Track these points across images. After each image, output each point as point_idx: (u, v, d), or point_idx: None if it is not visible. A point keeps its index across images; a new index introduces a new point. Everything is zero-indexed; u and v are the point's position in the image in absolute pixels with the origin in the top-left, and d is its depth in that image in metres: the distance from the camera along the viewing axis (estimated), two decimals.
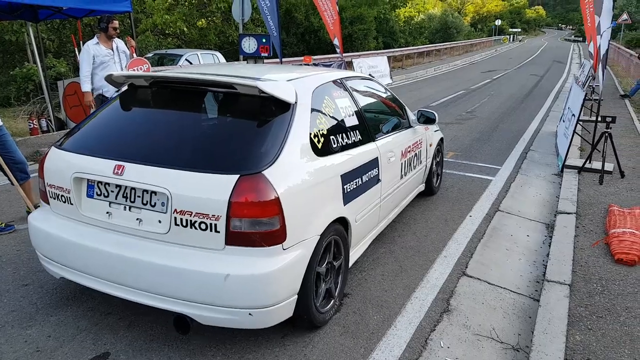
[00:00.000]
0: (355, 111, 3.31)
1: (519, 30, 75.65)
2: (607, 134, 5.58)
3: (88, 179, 2.56)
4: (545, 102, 12.59)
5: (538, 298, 3.20)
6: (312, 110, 2.79)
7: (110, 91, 5.63)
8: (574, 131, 6.00)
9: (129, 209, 2.46)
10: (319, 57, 14.73)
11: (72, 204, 2.61)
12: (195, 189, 2.29)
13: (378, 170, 3.36)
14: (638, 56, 14.92)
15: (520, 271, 3.67)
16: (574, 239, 4.02)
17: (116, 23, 5.66)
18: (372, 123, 3.51)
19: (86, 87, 5.56)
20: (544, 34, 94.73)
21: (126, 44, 5.94)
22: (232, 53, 17.03)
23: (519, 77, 19.86)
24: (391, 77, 16.84)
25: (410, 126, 4.25)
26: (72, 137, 2.84)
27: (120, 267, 2.44)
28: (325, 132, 2.83)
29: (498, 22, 60.30)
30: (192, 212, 2.28)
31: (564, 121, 7.18)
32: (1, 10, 7.12)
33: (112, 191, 2.51)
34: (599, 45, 6.29)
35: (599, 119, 5.88)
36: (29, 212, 4.33)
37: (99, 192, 2.55)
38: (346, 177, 2.90)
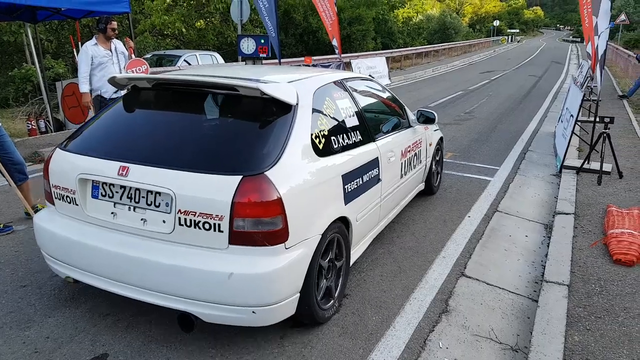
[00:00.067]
0: (355, 112, 3.35)
1: (517, 31, 75.75)
2: (605, 135, 5.58)
3: (93, 180, 2.60)
4: (543, 102, 12.61)
5: (537, 298, 3.20)
6: (313, 111, 2.83)
7: (108, 92, 5.62)
8: (573, 132, 6.01)
9: (134, 210, 2.50)
10: (318, 58, 14.73)
11: (77, 204, 2.64)
12: (199, 189, 2.33)
13: (378, 170, 3.39)
14: (636, 57, 14.94)
15: (519, 272, 3.67)
16: (572, 239, 4.03)
17: (115, 24, 5.65)
18: (372, 123, 3.55)
19: (84, 88, 5.55)
20: (542, 34, 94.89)
21: (125, 45, 5.93)
22: (231, 54, 17.03)
23: (518, 77, 19.88)
24: (389, 78, 16.84)
25: (410, 126, 4.28)
26: (76, 139, 2.88)
27: (125, 266, 2.47)
28: (326, 133, 2.87)
29: (496, 23, 60.40)
30: (196, 212, 2.32)
31: (562, 122, 7.19)
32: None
33: (116, 192, 2.55)
34: (597, 46, 6.30)
35: (597, 119, 5.89)
36: (27, 214, 4.33)
37: (103, 193, 2.58)
38: (347, 177, 2.93)
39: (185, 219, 2.34)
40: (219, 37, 18.90)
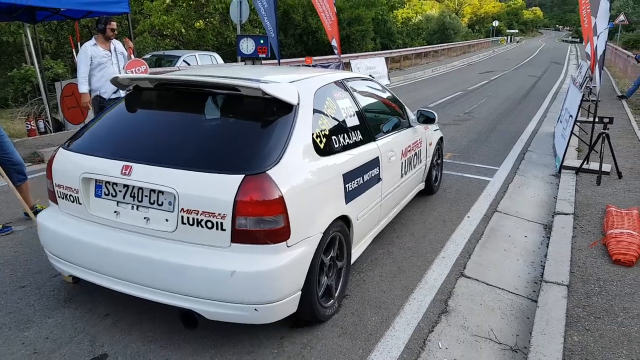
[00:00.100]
0: (356, 111, 3.37)
1: (517, 31, 75.81)
2: (604, 135, 5.59)
3: (96, 179, 2.63)
4: (542, 103, 12.62)
5: (536, 299, 3.20)
6: (314, 111, 2.85)
7: (107, 92, 5.62)
8: (572, 132, 6.02)
9: (137, 208, 2.52)
10: (317, 58, 14.73)
11: (80, 203, 2.67)
12: (201, 188, 2.36)
13: (379, 169, 3.42)
14: (635, 57, 14.96)
15: (518, 272, 3.67)
16: (571, 239, 4.03)
17: (114, 24, 5.64)
18: (372, 123, 3.57)
19: (83, 88, 5.54)
20: (542, 35, 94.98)
21: (124, 45, 5.93)
22: (230, 54, 17.02)
23: (517, 78, 19.90)
24: (389, 78, 16.85)
25: (410, 126, 4.30)
26: (79, 139, 2.91)
27: (128, 265, 2.50)
28: (327, 133, 2.89)
29: (495, 23, 60.44)
30: (198, 211, 2.34)
31: (561, 122, 7.20)
32: None
33: (119, 191, 2.57)
34: (596, 46, 6.30)
35: (597, 119, 5.90)
36: (26, 214, 4.33)
37: (107, 192, 2.61)
38: (348, 176, 2.96)
39: (187, 218, 2.37)
40: (218, 38, 18.90)
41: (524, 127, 9.24)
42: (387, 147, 3.62)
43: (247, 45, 8.58)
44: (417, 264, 3.65)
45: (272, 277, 2.35)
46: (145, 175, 2.46)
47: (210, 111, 2.82)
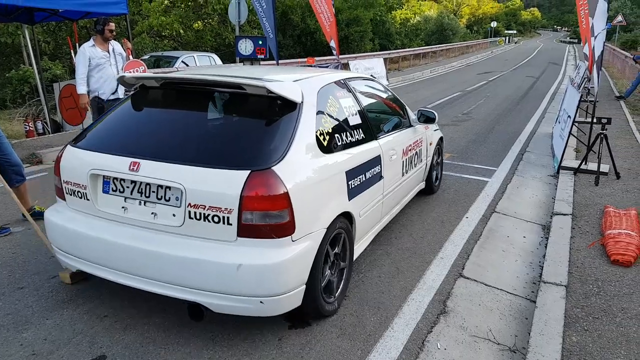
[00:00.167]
0: (358, 110, 3.42)
1: (515, 32, 76.00)
2: (602, 135, 5.60)
3: (104, 176, 2.67)
4: (541, 103, 12.64)
5: (534, 299, 3.21)
6: (318, 109, 2.89)
7: (106, 93, 5.62)
8: (570, 132, 6.03)
9: (144, 204, 2.56)
10: (316, 59, 14.74)
11: (88, 199, 2.71)
12: (208, 184, 2.40)
13: (380, 167, 3.46)
14: (633, 58, 14.99)
15: (517, 272, 3.68)
16: (570, 240, 4.04)
17: (112, 25, 5.64)
18: (374, 122, 3.62)
19: (82, 89, 5.54)
20: (540, 35, 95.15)
21: (122, 46, 5.93)
22: (229, 55, 17.04)
23: (515, 78, 19.93)
24: (387, 79, 16.86)
25: (410, 125, 4.34)
26: (86, 136, 2.95)
27: (135, 259, 2.53)
28: (330, 131, 2.93)
29: (494, 24, 60.56)
30: (205, 206, 2.38)
31: (559, 122, 7.21)
32: None
33: (127, 187, 2.61)
34: (594, 47, 6.32)
35: (595, 120, 5.91)
36: (23, 216, 4.31)
37: (114, 188, 2.65)
38: (350, 174, 3.00)
39: (195, 213, 2.40)
40: (217, 39, 18.92)
41: (523, 127, 9.25)
42: (389, 145, 3.66)
43: (245, 46, 8.59)
44: (416, 264, 3.65)
45: (277, 270, 2.39)
46: (153, 171, 2.50)
47: (216, 109, 2.86)
